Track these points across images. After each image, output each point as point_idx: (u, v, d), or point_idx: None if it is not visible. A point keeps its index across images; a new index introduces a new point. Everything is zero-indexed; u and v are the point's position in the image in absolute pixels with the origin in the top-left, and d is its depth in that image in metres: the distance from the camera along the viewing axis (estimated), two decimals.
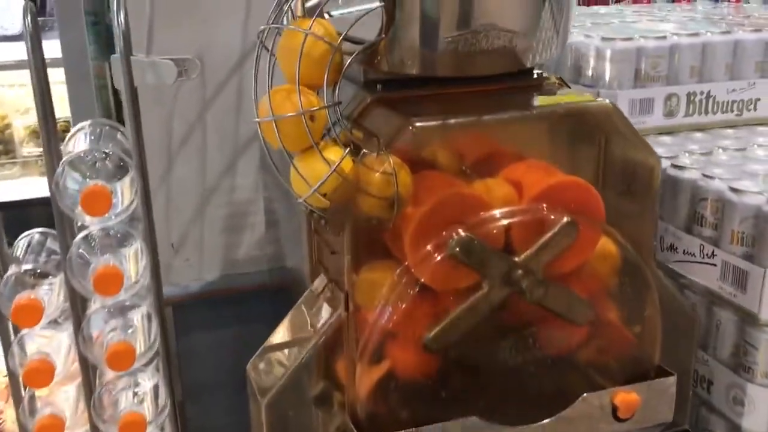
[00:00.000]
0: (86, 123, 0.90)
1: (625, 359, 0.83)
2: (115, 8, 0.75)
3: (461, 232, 0.72)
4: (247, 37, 1.10)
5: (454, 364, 0.77)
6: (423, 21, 0.74)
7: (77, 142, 0.87)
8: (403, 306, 0.72)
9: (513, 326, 0.78)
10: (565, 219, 0.75)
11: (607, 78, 1.14)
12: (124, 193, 0.85)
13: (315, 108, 0.69)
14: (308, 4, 0.75)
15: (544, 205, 0.76)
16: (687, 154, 1.05)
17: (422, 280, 0.73)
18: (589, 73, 1.16)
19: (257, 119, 0.70)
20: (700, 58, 1.16)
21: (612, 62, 1.12)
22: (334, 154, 0.70)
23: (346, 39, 0.72)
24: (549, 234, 0.75)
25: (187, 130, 1.13)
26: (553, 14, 0.78)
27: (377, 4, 0.71)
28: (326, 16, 0.74)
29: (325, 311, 0.76)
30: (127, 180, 0.85)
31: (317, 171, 0.69)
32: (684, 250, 0.98)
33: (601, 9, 1.60)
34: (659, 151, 1.06)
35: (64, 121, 1.47)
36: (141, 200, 0.87)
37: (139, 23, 1.01)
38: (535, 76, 0.83)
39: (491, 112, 0.75)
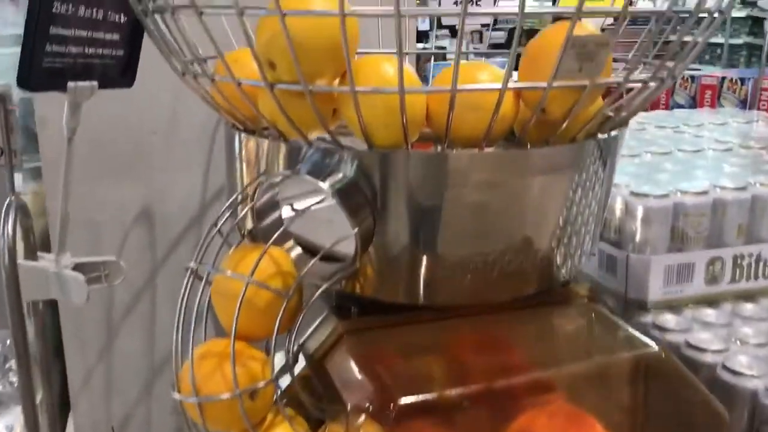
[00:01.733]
0: None
1: None
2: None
3: None
4: (206, 191, 0.91)
5: None
6: (414, 244, 0.55)
7: None
8: None
9: None
10: None
11: (637, 240, 0.95)
12: None
13: (258, 385, 0.49)
14: (264, 223, 0.56)
15: None
16: (738, 342, 0.85)
17: None
18: (616, 230, 0.97)
19: (176, 395, 0.50)
20: (748, 216, 0.97)
21: (644, 223, 0.94)
22: None
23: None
24: None
25: (132, 297, 0.94)
26: (579, 220, 0.60)
27: (350, 232, 0.53)
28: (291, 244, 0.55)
29: None
30: None
31: None
32: None
33: None
34: (707, 340, 0.86)
35: None
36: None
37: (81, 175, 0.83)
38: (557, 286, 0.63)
39: (500, 374, 0.56)
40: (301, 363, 0.58)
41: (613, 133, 0.62)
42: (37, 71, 0.57)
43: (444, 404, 0.53)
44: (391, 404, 0.52)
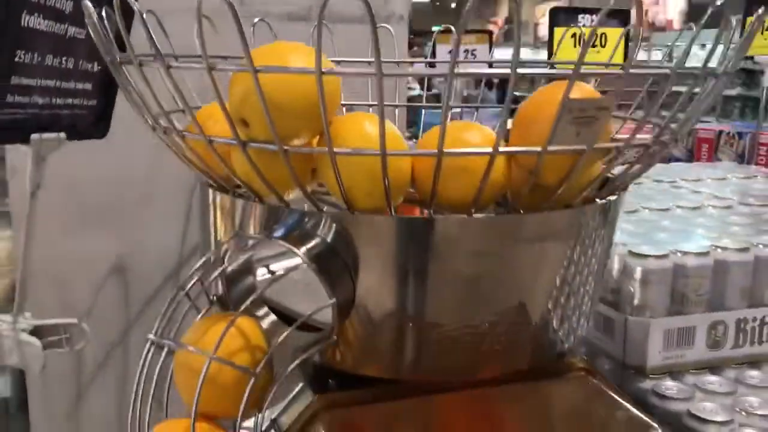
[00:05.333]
0: None
1: None
2: None
3: None
4: (184, 246, 0.87)
5: None
6: (397, 315, 0.51)
7: None
8: None
9: None
10: None
11: (636, 302, 0.90)
12: None
13: None
14: (237, 289, 0.52)
15: None
16: (744, 413, 0.80)
17: None
18: (613, 291, 0.93)
19: None
20: (752, 278, 0.93)
21: (643, 284, 0.89)
22: None
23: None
24: None
25: (104, 355, 0.89)
26: (578, 292, 0.55)
27: (329, 302, 0.48)
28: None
29: None
30: None
31: None
32: None
33: None
34: (706, 406, 0.81)
35: None
36: None
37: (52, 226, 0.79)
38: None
39: None
40: None
41: (613, 197, 0.58)
42: None
43: None
44: None
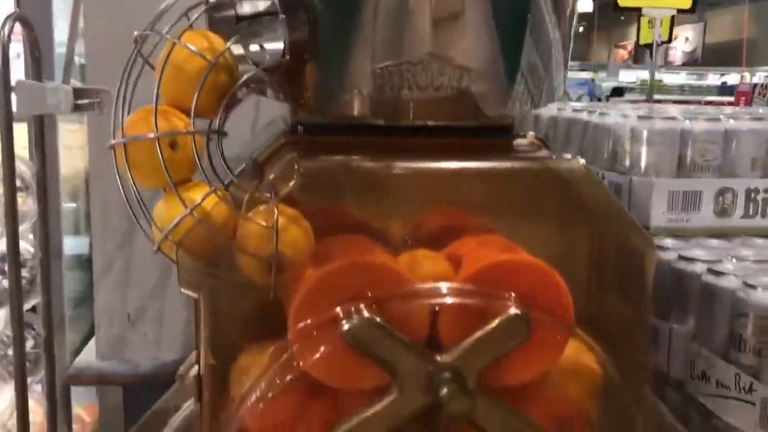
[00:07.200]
0: None
1: None
2: None
3: (362, 311, 0.54)
4: None
5: None
6: (341, 44, 0.59)
7: None
8: (275, 404, 0.54)
9: None
10: (511, 310, 0.55)
11: (643, 164, 0.94)
12: None
13: (177, 131, 0.54)
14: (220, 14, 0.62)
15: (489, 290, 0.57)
16: (733, 260, 0.82)
17: (307, 371, 0.55)
18: (626, 159, 0.97)
19: (112, 141, 0.56)
20: (765, 148, 0.94)
21: (649, 145, 0.93)
22: (202, 195, 0.55)
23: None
24: (488, 327, 0.55)
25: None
26: (526, 50, 0.62)
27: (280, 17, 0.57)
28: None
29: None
30: None
31: (177, 214, 0.54)
32: (718, 381, 0.74)
33: None
34: (701, 254, 0.84)
35: None
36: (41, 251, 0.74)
37: None
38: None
39: (417, 160, 0.58)
40: None
41: None
42: None
43: (359, 174, 0.56)
44: (299, 168, 0.55)
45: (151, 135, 0.54)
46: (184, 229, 0.54)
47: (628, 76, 8.07)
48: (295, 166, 0.55)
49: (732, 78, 7.97)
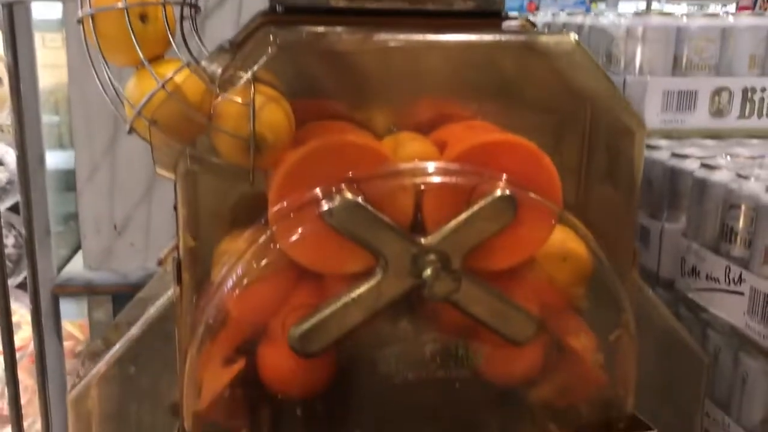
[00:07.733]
0: None
1: (585, 400, 0.60)
2: None
3: (343, 191, 0.53)
4: None
5: (339, 376, 0.57)
6: None
7: None
8: (254, 287, 0.53)
9: (431, 335, 0.58)
10: (498, 191, 0.54)
11: (637, 63, 0.91)
12: None
13: (147, 1, 0.52)
14: None
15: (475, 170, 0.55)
16: (727, 156, 0.80)
17: (289, 254, 0.54)
18: (621, 58, 0.94)
19: (79, 12, 0.53)
20: (764, 46, 0.91)
21: (644, 42, 0.90)
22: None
23: None
24: (474, 208, 0.54)
25: None
26: None
27: None
28: None
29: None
30: None
31: (148, 90, 0.52)
32: (708, 275, 0.74)
33: None
34: (694, 152, 0.82)
35: None
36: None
37: None
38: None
39: (398, 33, 0.56)
40: None
41: None
42: None
43: (340, 48, 0.54)
44: (275, 39, 0.53)
45: (120, 4, 0.51)
46: (157, 105, 0.51)
47: (627, 7, 7.95)
48: (271, 37, 0.52)
49: (732, 8, 7.83)
